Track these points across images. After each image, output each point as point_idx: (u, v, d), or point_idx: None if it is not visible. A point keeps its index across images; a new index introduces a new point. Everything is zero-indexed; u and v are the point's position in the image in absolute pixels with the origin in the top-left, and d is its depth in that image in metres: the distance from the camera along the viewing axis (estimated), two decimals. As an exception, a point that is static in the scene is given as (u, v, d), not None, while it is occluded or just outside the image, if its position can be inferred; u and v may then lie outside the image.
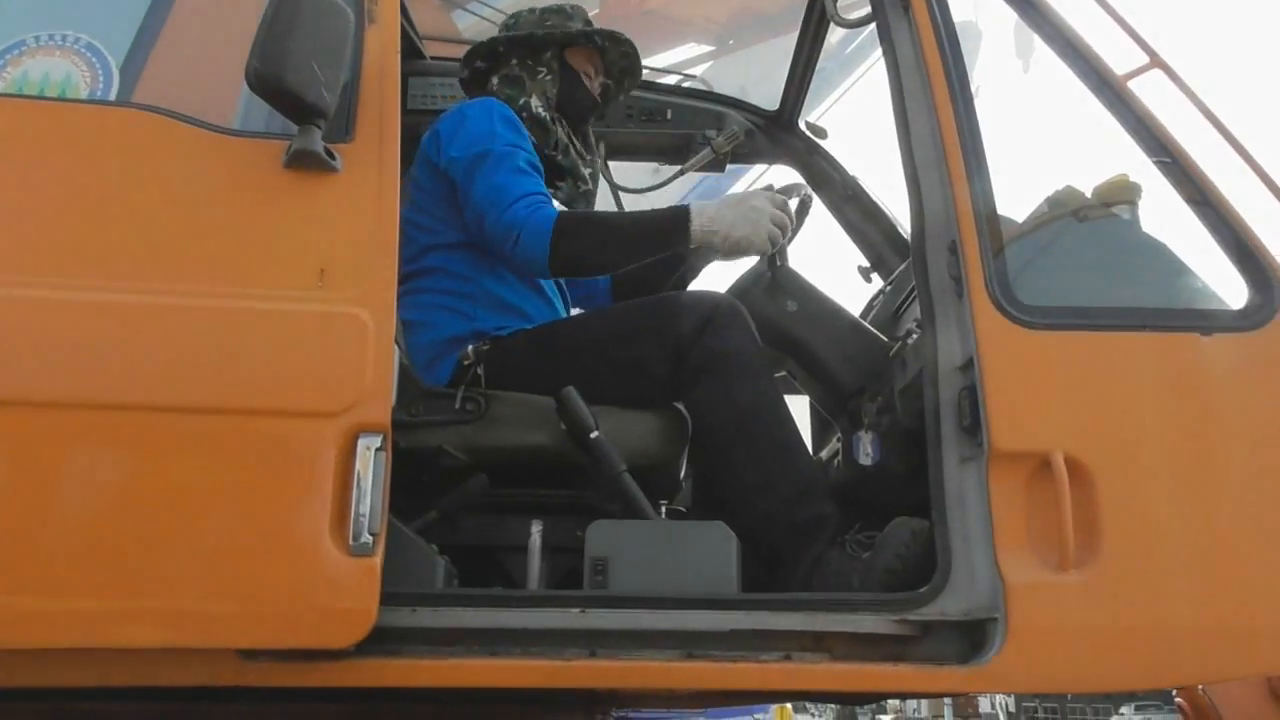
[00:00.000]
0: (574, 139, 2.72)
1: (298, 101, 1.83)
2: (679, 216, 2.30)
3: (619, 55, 2.81)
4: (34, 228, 1.86)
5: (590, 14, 4.03)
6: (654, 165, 3.71)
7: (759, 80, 4.17)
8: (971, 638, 1.88)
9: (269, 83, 1.80)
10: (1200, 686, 3.38)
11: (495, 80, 2.67)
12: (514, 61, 2.67)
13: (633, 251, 2.37)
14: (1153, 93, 2.15)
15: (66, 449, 1.78)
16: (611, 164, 3.41)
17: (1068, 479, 1.85)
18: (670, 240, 2.31)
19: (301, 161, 1.90)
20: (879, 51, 2.33)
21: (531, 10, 2.76)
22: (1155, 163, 2.12)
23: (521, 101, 2.62)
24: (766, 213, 2.30)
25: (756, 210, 2.30)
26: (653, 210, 2.40)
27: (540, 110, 2.62)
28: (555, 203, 2.44)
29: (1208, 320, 2.01)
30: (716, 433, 2.26)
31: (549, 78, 2.66)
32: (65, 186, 1.90)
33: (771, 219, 2.30)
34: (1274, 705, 3.19)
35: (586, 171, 2.73)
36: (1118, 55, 2.19)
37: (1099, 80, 2.17)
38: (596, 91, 2.77)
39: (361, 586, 1.74)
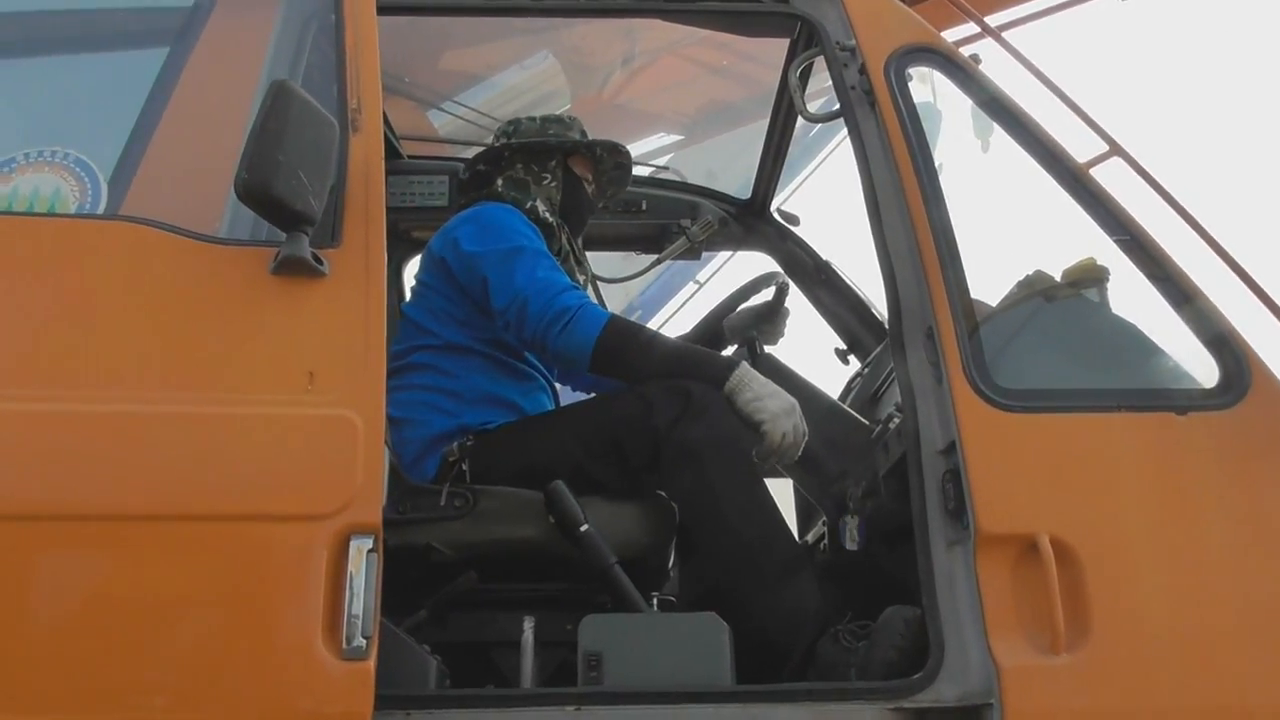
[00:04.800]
0: (573, 245, 2.78)
1: (285, 210, 1.86)
2: (726, 365, 2.34)
3: (613, 165, 2.89)
4: (24, 341, 1.87)
5: (561, 109, 4.14)
6: (625, 253, 3.78)
7: (727, 165, 4.25)
8: (968, 724, 1.88)
9: (257, 192, 1.83)
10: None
11: (500, 182, 2.74)
12: (519, 166, 2.75)
13: (668, 370, 2.37)
14: (1114, 178, 2.23)
15: (50, 562, 1.77)
16: (588, 254, 3.47)
17: (1054, 561, 1.87)
18: (704, 377, 2.33)
19: (289, 267, 1.92)
20: (842, 134, 2.39)
21: (531, 118, 2.85)
22: (1119, 245, 2.19)
23: (528, 205, 2.69)
24: (797, 418, 2.30)
25: (795, 408, 2.31)
26: (701, 349, 2.44)
27: (546, 214, 2.70)
28: None
29: (1182, 400, 2.05)
30: (698, 521, 2.27)
31: (553, 184, 2.75)
32: (54, 300, 1.91)
33: (796, 425, 2.30)
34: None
35: (580, 279, 2.78)
36: (1079, 140, 2.27)
37: (1060, 168, 2.24)
38: (594, 198, 2.85)
39: (355, 691, 1.72)
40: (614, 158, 2.88)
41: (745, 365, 2.35)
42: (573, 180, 2.78)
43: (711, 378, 2.32)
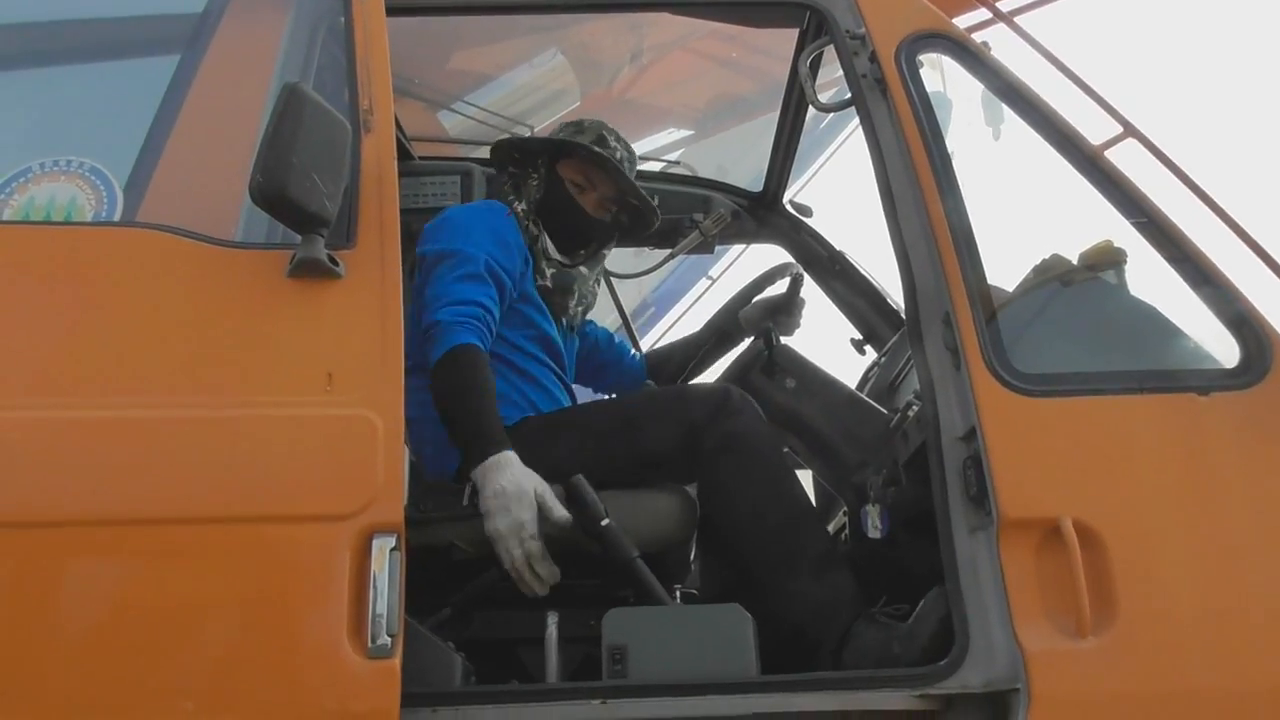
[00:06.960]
0: (546, 248, 2.70)
1: (301, 212, 1.87)
2: (489, 447, 2.16)
3: (624, 196, 2.77)
4: (42, 349, 1.88)
5: (570, 107, 4.14)
6: (638, 249, 3.78)
7: (738, 159, 4.26)
8: (995, 710, 1.87)
9: (272, 196, 1.84)
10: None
11: (505, 181, 2.77)
12: (510, 167, 2.77)
13: (457, 418, 2.26)
14: (1129, 160, 2.21)
15: (75, 567, 1.78)
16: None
17: (1078, 544, 1.86)
18: (471, 446, 2.21)
19: (305, 270, 1.93)
20: (852, 125, 2.38)
21: (564, 125, 2.84)
22: (1136, 227, 2.17)
23: (513, 203, 2.69)
24: (525, 540, 2.10)
25: (522, 529, 2.10)
26: (487, 421, 2.23)
27: (523, 213, 2.68)
28: (493, 317, 2.41)
29: (1203, 380, 2.04)
30: (735, 513, 2.28)
31: (535, 183, 2.73)
32: (72, 308, 1.92)
33: (518, 552, 2.09)
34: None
35: (578, 284, 2.78)
36: (1093, 123, 2.26)
37: (1075, 151, 2.23)
38: (589, 205, 2.74)
39: (382, 689, 1.73)
40: (601, 162, 2.72)
41: (510, 460, 2.15)
42: (555, 180, 2.75)
43: (474, 450, 2.18)
